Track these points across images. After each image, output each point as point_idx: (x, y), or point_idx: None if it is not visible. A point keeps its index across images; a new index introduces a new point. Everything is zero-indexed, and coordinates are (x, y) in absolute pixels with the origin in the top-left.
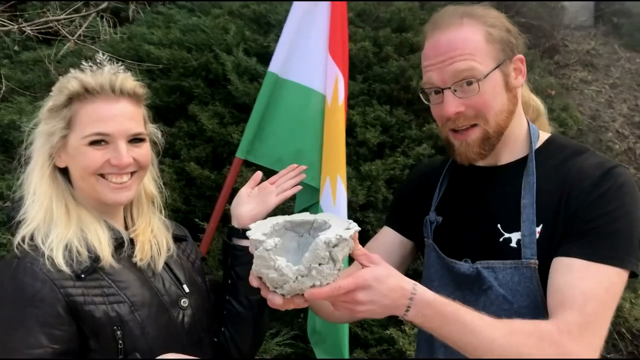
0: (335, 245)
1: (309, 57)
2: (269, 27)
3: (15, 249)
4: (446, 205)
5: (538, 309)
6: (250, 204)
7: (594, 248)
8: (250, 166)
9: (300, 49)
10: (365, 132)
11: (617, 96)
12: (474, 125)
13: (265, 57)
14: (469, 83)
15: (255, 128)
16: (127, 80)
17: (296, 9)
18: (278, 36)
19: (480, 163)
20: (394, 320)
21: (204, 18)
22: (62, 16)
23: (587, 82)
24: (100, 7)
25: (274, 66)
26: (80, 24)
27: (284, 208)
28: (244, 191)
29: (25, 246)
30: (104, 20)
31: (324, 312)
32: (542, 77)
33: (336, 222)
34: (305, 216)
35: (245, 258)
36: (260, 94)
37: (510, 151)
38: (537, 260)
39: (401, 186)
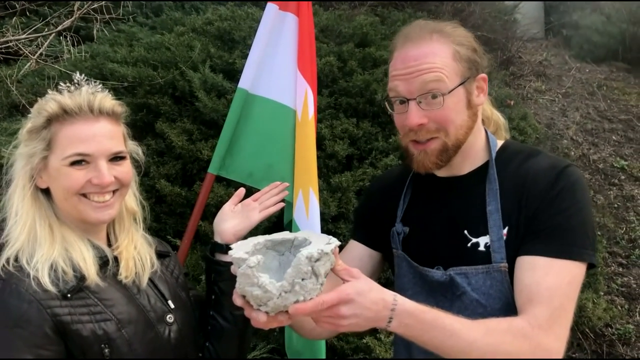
0: (317, 260)
1: (278, 72)
2: (233, 43)
3: (0, 271)
4: (412, 216)
5: (510, 309)
6: (234, 219)
7: (554, 245)
8: (221, 182)
9: (269, 64)
10: (333, 145)
11: (569, 105)
12: (435, 138)
13: (231, 73)
14: (434, 96)
15: (227, 144)
16: (106, 99)
17: (264, 25)
18: (243, 53)
19: (443, 174)
20: (369, 329)
21: (168, 35)
22: (23, 36)
23: (541, 91)
24: (61, 26)
25: (244, 82)
26: (41, 43)
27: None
28: (227, 207)
29: (10, 267)
30: (67, 39)
31: (305, 329)
32: (500, 88)
33: (316, 238)
34: (286, 234)
35: (228, 273)
36: (230, 110)
37: (471, 161)
38: (507, 264)
39: (363, 200)
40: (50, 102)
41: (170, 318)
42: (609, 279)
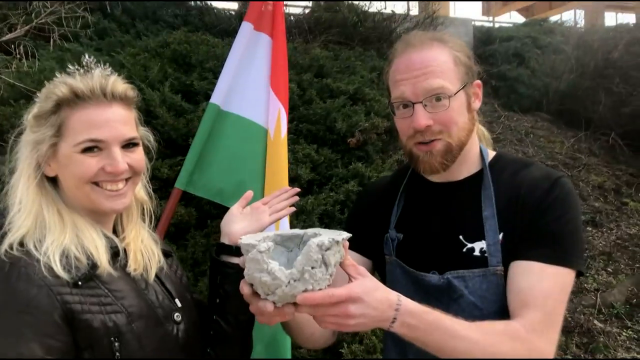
0: (327, 249)
1: (251, 91)
2: (189, 67)
3: (2, 256)
4: (406, 222)
5: (505, 312)
6: (244, 221)
7: (548, 252)
8: (180, 200)
9: (242, 82)
10: (296, 169)
11: (501, 149)
12: (438, 139)
13: (189, 95)
14: (438, 99)
15: (196, 159)
16: (118, 83)
17: (238, 42)
18: (201, 75)
19: (438, 179)
20: (333, 351)
21: (122, 54)
22: None
23: None
24: (7, 36)
25: (216, 97)
26: None
27: None
28: (235, 209)
29: (15, 252)
30: (18, 49)
31: (304, 334)
32: None
33: (326, 233)
34: (295, 230)
35: (235, 276)
36: (201, 125)
37: (467, 168)
38: (502, 267)
39: (355, 207)
40: (60, 86)
41: (177, 317)
42: None
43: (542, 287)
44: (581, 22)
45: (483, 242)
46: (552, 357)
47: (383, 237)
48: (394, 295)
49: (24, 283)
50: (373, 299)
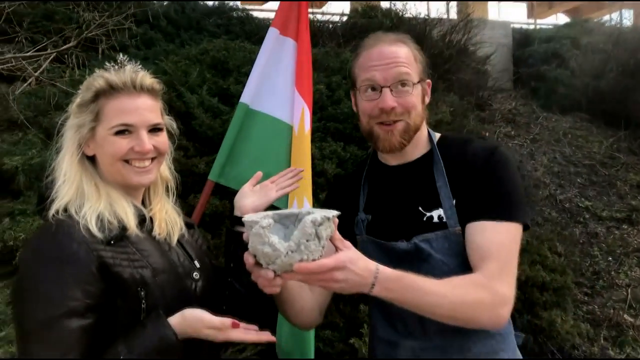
0: (320, 224)
1: (277, 91)
2: (226, 72)
3: (50, 219)
4: (372, 205)
5: (467, 264)
6: (253, 196)
7: (496, 210)
8: (215, 194)
9: (269, 83)
10: (322, 164)
11: (537, 149)
12: (400, 120)
13: (225, 97)
14: (403, 84)
15: (227, 153)
16: (146, 77)
17: (265, 46)
18: (237, 79)
19: (395, 162)
20: (355, 332)
21: (165, 61)
22: (28, 54)
23: (510, 136)
24: (64, 47)
25: (245, 97)
26: (42, 63)
27: None
28: (246, 187)
29: (60, 216)
30: (69, 60)
31: (294, 309)
32: (476, 124)
33: (318, 211)
34: (291, 210)
35: (246, 243)
36: (232, 122)
37: (419, 150)
38: (460, 227)
39: (326, 199)
40: (98, 79)
41: (196, 275)
42: (575, 307)
43: (495, 241)
44: (628, 22)
45: (439, 209)
46: (512, 297)
47: (353, 220)
48: (373, 265)
49: (68, 239)
50: (356, 267)
